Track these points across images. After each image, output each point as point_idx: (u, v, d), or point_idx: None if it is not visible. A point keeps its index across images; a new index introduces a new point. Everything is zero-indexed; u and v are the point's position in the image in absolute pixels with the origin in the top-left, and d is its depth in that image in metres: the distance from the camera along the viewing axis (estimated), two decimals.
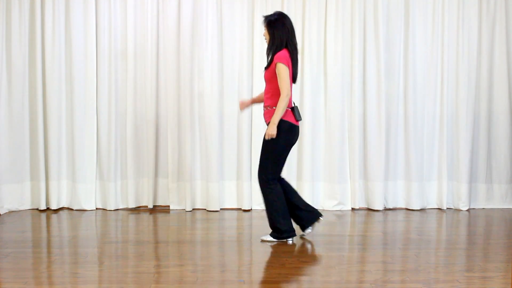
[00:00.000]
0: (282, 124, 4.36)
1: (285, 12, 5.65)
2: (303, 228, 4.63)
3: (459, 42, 5.80)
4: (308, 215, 4.60)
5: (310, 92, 5.72)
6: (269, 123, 4.38)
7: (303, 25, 5.73)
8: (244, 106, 4.80)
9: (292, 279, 3.70)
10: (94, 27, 5.63)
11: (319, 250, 4.32)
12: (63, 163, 5.70)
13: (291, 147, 4.48)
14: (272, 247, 4.41)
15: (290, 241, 4.51)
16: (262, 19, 4.58)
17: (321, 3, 5.72)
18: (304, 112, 5.72)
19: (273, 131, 4.32)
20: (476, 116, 5.87)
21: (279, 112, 4.31)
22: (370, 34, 5.74)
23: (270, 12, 5.66)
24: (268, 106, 4.44)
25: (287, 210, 4.51)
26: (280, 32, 4.42)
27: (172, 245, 4.51)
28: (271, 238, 4.53)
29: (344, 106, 5.77)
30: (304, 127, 5.72)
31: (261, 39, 5.70)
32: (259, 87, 5.68)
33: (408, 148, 5.83)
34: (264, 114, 4.50)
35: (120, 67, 5.72)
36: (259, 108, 5.65)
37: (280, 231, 4.49)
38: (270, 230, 4.60)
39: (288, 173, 5.73)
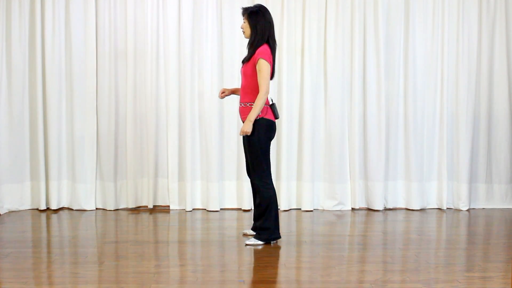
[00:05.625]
0: (263, 122, 4.28)
1: (285, 12, 5.67)
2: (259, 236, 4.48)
3: (459, 42, 5.80)
4: None
5: (310, 92, 5.72)
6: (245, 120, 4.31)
7: (303, 25, 5.73)
8: (224, 95, 4.62)
9: (292, 279, 3.70)
10: (94, 26, 5.62)
11: (319, 250, 4.32)
12: (63, 163, 5.70)
13: (271, 141, 4.43)
14: (272, 247, 4.40)
15: (274, 242, 4.48)
16: (241, 10, 4.42)
17: (321, 3, 5.72)
18: (304, 112, 5.72)
19: (249, 129, 4.21)
20: (476, 116, 5.87)
21: (257, 109, 4.21)
22: (370, 34, 5.74)
23: (269, 11, 5.69)
24: (246, 102, 4.33)
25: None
26: (262, 25, 4.29)
27: (172, 245, 4.51)
28: (256, 242, 4.42)
29: (344, 106, 5.77)
30: (304, 127, 5.72)
31: None
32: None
33: (408, 148, 5.83)
34: (241, 110, 4.38)
35: (120, 67, 5.72)
36: None
37: (267, 231, 4.41)
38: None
39: (288, 173, 5.73)
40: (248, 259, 4.13)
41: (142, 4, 5.69)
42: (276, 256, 4.21)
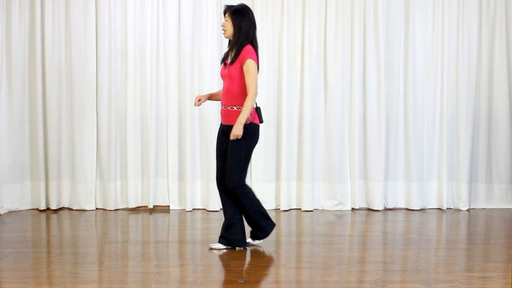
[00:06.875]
0: (252, 126, 4.16)
1: (285, 12, 5.67)
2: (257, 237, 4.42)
3: (459, 42, 5.80)
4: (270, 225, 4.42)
5: (310, 92, 5.72)
6: (228, 124, 4.18)
7: (303, 25, 5.72)
8: (200, 103, 4.38)
9: (292, 279, 3.70)
10: (94, 27, 5.62)
11: (319, 250, 4.32)
12: (63, 163, 5.69)
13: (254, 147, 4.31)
14: (272, 247, 4.41)
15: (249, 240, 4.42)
16: (224, 8, 4.22)
17: (321, 3, 5.72)
18: (304, 112, 5.72)
19: (240, 132, 4.06)
20: (476, 116, 5.87)
21: (247, 112, 4.06)
22: (370, 34, 5.74)
23: (270, 11, 5.70)
24: (231, 105, 4.16)
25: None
26: (246, 24, 4.12)
27: (172, 245, 4.51)
28: (257, 241, 4.40)
29: (344, 106, 5.77)
30: (304, 127, 5.71)
31: (260, 38, 5.67)
32: (259, 87, 5.67)
33: (408, 148, 5.83)
34: (224, 113, 4.23)
35: (120, 67, 5.71)
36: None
37: (262, 228, 4.34)
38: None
39: (288, 173, 5.73)
40: (248, 259, 4.13)
41: (142, 4, 5.68)
42: (276, 256, 4.21)
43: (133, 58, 5.69)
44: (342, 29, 5.73)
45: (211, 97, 4.49)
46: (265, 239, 4.43)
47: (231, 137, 4.10)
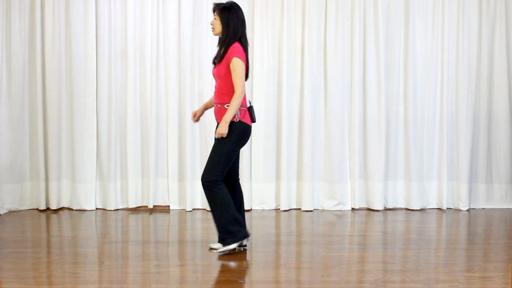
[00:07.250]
0: (239, 125, 4.07)
1: (285, 12, 5.67)
2: (225, 241, 4.18)
3: (459, 42, 5.80)
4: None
5: (310, 92, 5.72)
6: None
7: (303, 25, 5.73)
8: (197, 117, 4.45)
9: (292, 279, 3.70)
10: (94, 27, 5.63)
11: (319, 250, 4.32)
12: (63, 163, 5.70)
13: (242, 147, 4.23)
14: (272, 247, 4.41)
15: (245, 241, 4.24)
16: (212, 6, 4.23)
17: (321, 3, 5.72)
18: (304, 112, 5.72)
19: (224, 130, 4.00)
20: (476, 116, 5.87)
21: (233, 110, 4.00)
22: (370, 34, 5.74)
23: (270, 11, 5.70)
24: (222, 103, 4.11)
25: (236, 210, 4.19)
26: (234, 22, 4.10)
27: (172, 245, 4.51)
28: (225, 247, 4.15)
29: (344, 106, 5.78)
30: (304, 127, 5.72)
31: (260, 38, 5.70)
32: (259, 87, 5.68)
33: (408, 148, 5.83)
34: (216, 111, 4.19)
35: (120, 67, 5.72)
36: (258, 109, 5.65)
37: (232, 233, 4.13)
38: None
39: (288, 173, 5.74)
40: (248, 259, 4.13)
41: (142, 4, 5.69)
42: (276, 256, 4.21)
43: (133, 58, 5.69)
44: (342, 29, 5.73)
45: (207, 107, 4.48)
46: (251, 246, 4.43)
47: (216, 135, 4.06)
